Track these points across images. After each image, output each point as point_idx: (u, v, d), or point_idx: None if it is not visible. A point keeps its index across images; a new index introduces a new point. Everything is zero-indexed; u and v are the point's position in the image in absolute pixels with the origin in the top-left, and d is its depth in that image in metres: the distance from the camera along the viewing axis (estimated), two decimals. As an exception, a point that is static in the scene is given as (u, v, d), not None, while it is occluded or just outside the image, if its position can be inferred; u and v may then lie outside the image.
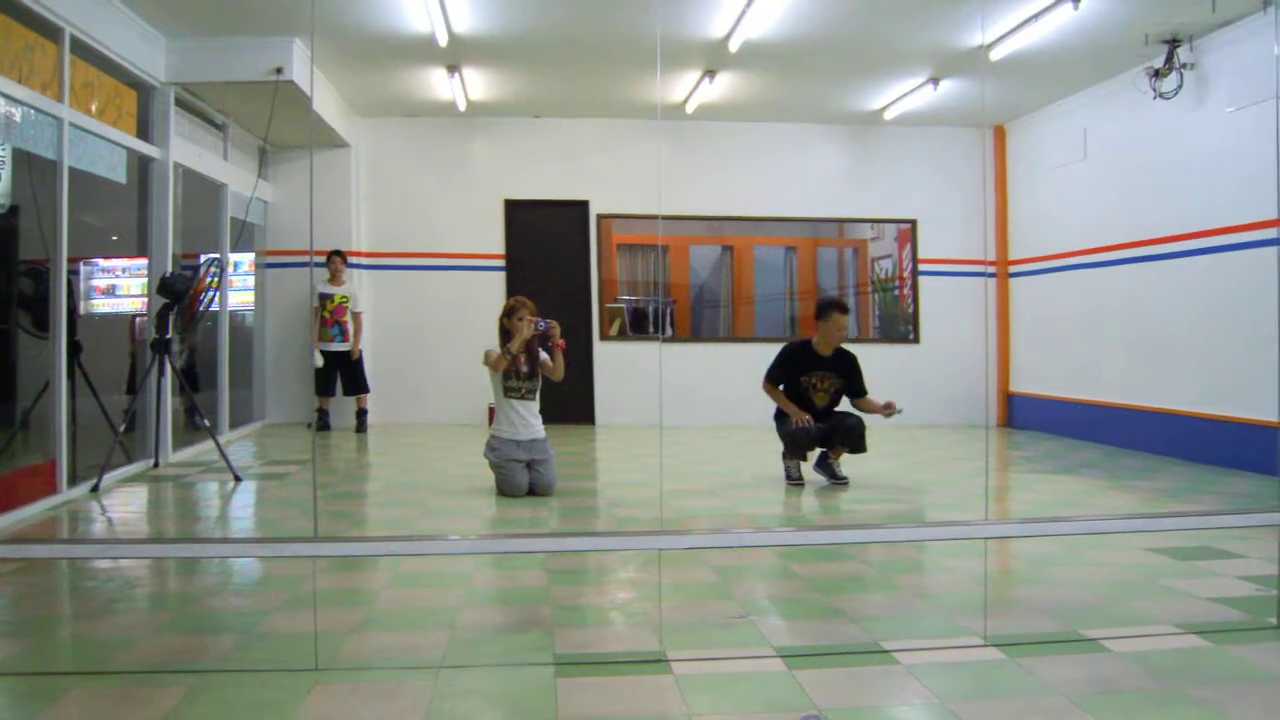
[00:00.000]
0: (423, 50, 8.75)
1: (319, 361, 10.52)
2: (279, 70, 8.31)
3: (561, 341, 6.81)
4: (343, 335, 10.59)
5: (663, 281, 12.47)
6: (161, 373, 7.56)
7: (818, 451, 7.38)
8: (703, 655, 3.52)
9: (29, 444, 7.17)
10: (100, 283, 10.26)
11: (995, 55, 8.65)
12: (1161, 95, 8.61)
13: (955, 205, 11.70)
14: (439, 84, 9.95)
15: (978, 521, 5.51)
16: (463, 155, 11.53)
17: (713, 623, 3.97)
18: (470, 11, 7.89)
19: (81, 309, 9.86)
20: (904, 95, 10.27)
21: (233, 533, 6.02)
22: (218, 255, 9.48)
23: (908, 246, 11.88)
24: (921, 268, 11.79)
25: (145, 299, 8.55)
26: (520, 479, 6.71)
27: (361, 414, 10.71)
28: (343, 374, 10.62)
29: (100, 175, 7.27)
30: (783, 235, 12.53)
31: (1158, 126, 8.89)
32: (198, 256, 9.35)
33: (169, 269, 8.01)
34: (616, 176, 11.40)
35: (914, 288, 11.86)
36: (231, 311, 10.33)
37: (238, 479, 7.31)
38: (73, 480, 6.66)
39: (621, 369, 11.46)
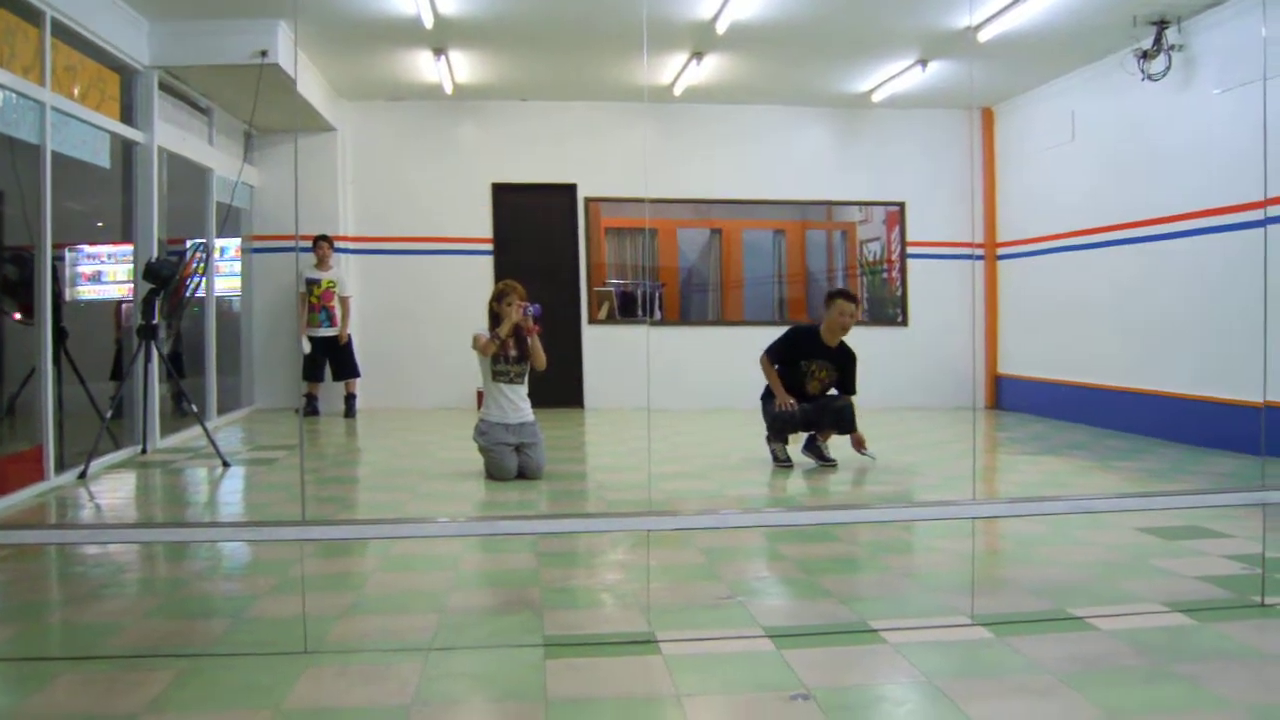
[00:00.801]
0: (408, 33, 8.70)
1: (306, 347, 10.51)
2: (263, 53, 8.26)
3: (537, 327, 6.78)
4: (330, 320, 10.56)
5: (651, 265, 12.48)
6: (148, 359, 7.54)
7: (804, 435, 7.39)
8: (691, 636, 3.53)
9: (16, 431, 7.16)
10: (86, 269, 10.22)
11: (983, 37, 8.64)
12: (1149, 77, 8.62)
13: (943, 187, 11.70)
14: (425, 67, 9.90)
15: (965, 501, 5.53)
16: (450, 139, 11.49)
17: (701, 603, 3.98)
18: (456, -6, 7.87)
19: (67, 295, 9.83)
20: (892, 77, 10.26)
21: (221, 518, 6.02)
22: (204, 240, 9.42)
23: (896, 229, 11.89)
24: (910, 250, 11.79)
25: (131, 285, 8.52)
26: (509, 462, 6.71)
27: (350, 399, 10.70)
28: (331, 359, 10.60)
29: (84, 160, 7.22)
30: (771, 218, 12.54)
31: (1146, 108, 8.90)
32: (183, 242, 9.30)
33: (155, 254, 7.98)
34: (604, 160, 11.38)
35: (902, 270, 11.87)
36: (218, 297, 10.29)
37: (226, 464, 7.29)
38: (60, 467, 6.63)
39: (610, 352, 11.45)
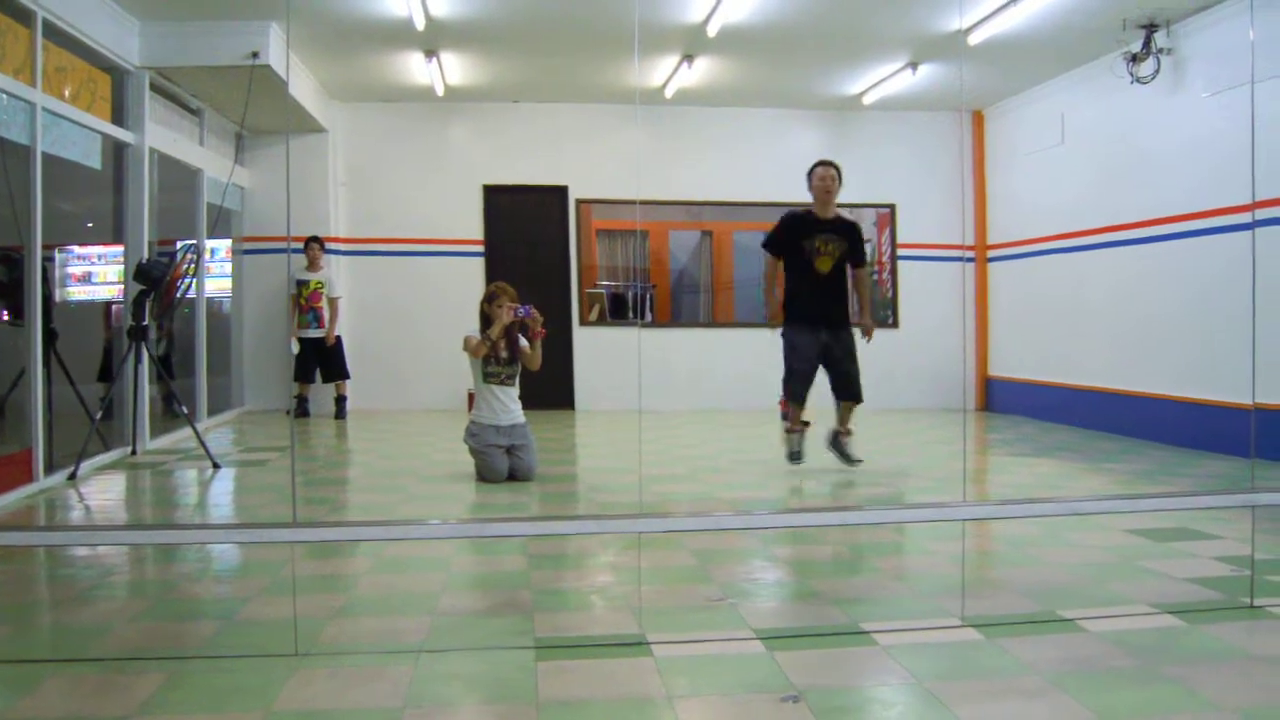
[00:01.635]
0: (400, 34, 8.70)
1: (295, 348, 10.50)
2: (255, 55, 8.25)
3: (542, 330, 6.81)
4: (317, 321, 10.55)
5: (642, 266, 12.49)
6: (139, 360, 7.52)
7: (829, 432, 7.14)
8: (682, 638, 3.53)
9: (5, 432, 7.13)
10: (76, 270, 10.20)
11: (974, 40, 8.66)
12: (1139, 80, 8.64)
13: (934, 190, 11.73)
14: (417, 69, 9.89)
15: (956, 503, 5.54)
16: (441, 140, 11.49)
17: (692, 605, 3.98)
18: (447, -5, 7.87)
19: (57, 296, 9.81)
20: (882, 80, 10.28)
21: (212, 519, 6.00)
22: (194, 242, 9.41)
23: (886, 231, 11.91)
24: (900, 252, 11.82)
25: (121, 286, 8.50)
26: (500, 464, 6.70)
27: (340, 400, 10.68)
28: (320, 360, 10.58)
29: (74, 161, 7.20)
30: (762, 220, 12.48)
31: (1135, 111, 8.93)
32: (174, 243, 9.29)
33: (145, 256, 7.96)
34: (595, 161, 11.38)
35: (893, 272, 11.89)
36: (209, 298, 10.28)
37: (216, 466, 7.27)
38: (50, 468, 6.61)
39: (601, 354, 11.46)
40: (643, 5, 8.07)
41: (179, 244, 9.05)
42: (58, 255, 9.90)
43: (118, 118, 8.02)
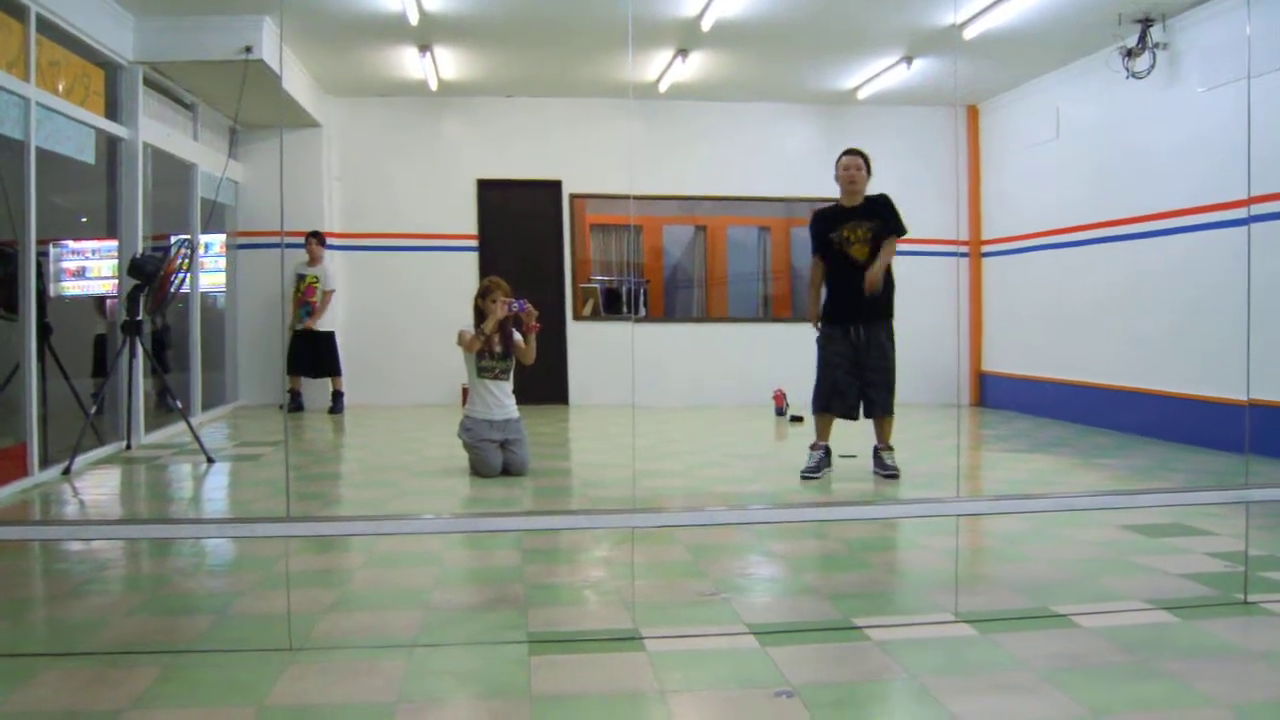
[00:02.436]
0: (394, 29, 8.69)
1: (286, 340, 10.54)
2: (248, 49, 8.23)
3: (536, 325, 6.80)
4: (311, 315, 10.55)
5: (636, 261, 12.48)
6: (133, 354, 7.51)
7: (872, 450, 6.87)
8: (676, 633, 3.53)
9: (-1, 427, 7.13)
10: (70, 265, 10.18)
11: (968, 34, 8.66)
12: (1134, 75, 8.64)
13: (928, 185, 11.69)
14: (410, 63, 9.88)
15: (950, 499, 5.55)
16: (435, 135, 11.47)
17: (686, 600, 3.98)
18: (442, -10, 7.86)
19: (51, 291, 9.79)
20: (877, 74, 10.28)
21: (206, 514, 6.00)
22: (188, 236, 9.40)
23: (881, 226, 11.89)
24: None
25: (116, 281, 8.49)
26: (494, 459, 6.70)
27: (336, 395, 10.68)
28: (312, 354, 10.57)
29: (68, 156, 7.19)
30: (756, 215, 12.56)
31: (1130, 106, 8.93)
32: (168, 238, 9.28)
33: (139, 251, 7.95)
34: (589, 156, 11.37)
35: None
36: (203, 293, 10.26)
37: (210, 460, 7.27)
38: (44, 463, 6.60)
39: (595, 349, 11.45)
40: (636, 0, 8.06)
41: (173, 239, 9.03)
42: (52, 250, 9.87)
43: (111, 112, 8.00)
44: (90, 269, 10.12)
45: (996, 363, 11.52)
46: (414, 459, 7.61)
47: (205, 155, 9.90)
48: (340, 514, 5.82)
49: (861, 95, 11.02)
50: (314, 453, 8.33)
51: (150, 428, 8.36)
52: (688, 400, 11.11)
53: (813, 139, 11.72)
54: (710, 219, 12.67)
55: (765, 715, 2.85)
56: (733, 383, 11.23)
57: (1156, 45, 8.42)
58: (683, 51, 9.47)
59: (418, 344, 11.11)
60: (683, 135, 11.51)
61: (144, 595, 4.16)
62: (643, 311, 12.33)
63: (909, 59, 9.68)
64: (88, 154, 7.50)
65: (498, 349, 6.79)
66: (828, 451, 6.80)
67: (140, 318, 7.35)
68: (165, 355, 9.53)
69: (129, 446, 7.82)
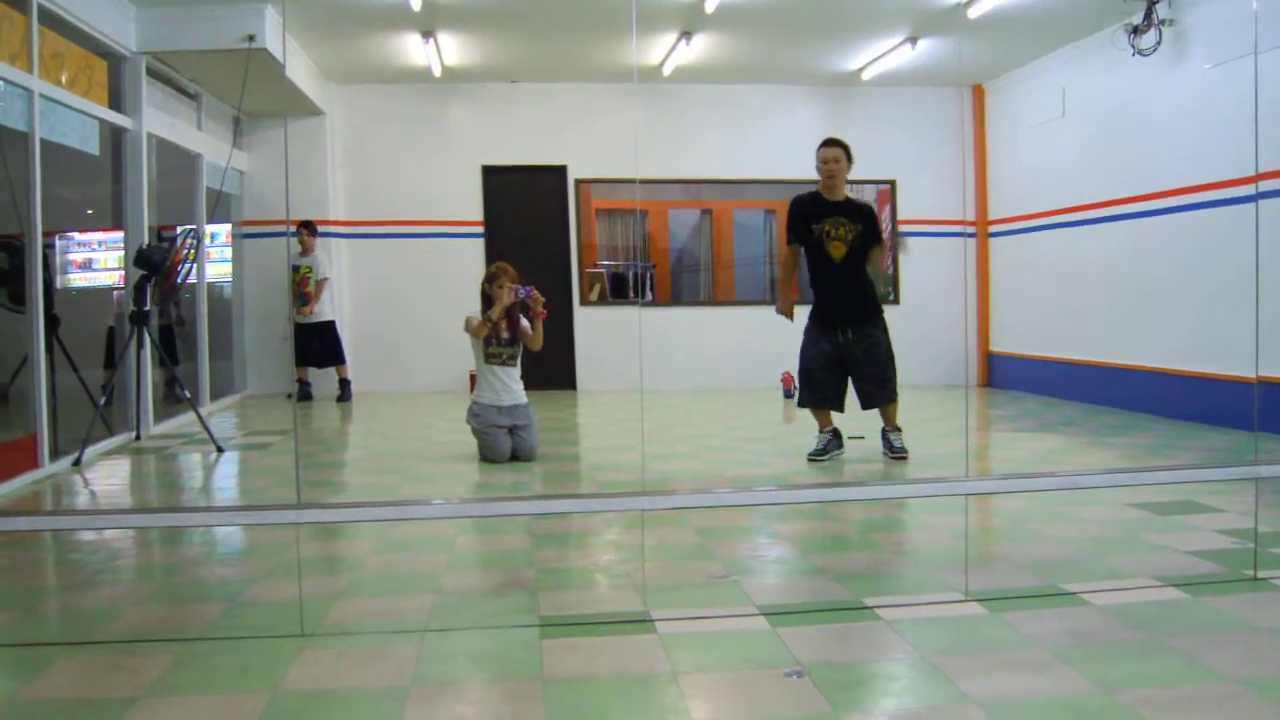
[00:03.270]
0: (396, 15, 8.66)
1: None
2: (251, 38, 8.22)
3: (544, 311, 6.80)
4: (306, 305, 10.55)
5: (642, 246, 12.47)
6: (141, 345, 7.52)
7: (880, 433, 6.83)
8: (686, 615, 3.54)
9: (9, 419, 7.15)
10: (76, 256, 10.19)
11: (973, 13, 8.63)
12: (1140, 52, 8.61)
13: (934, 165, 11.69)
14: (414, 50, 9.86)
15: (958, 478, 5.54)
16: (439, 122, 11.46)
17: (696, 582, 3.99)
18: (444, -25, 7.84)
19: (58, 283, 9.81)
20: (882, 55, 10.24)
21: (216, 502, 6.02)
22: (194, 226, 9.40)
23: (887, 207, 11.88)
24: (901, 228, 11.79)
25: (122, 272, 8.50)
26: (503, 444, 6.71)
27: (344, 384, 10.69)
28: (313, 344, 10.57)
29: (73, 147, 7.19)
30: (761, 198, 12.53)
31: (1136, 84, 8.89)
32: (174, 228, 9.29)
33: (145, 241, 7.95)
34: (594, 141, 11.34)
35: (893, 248, 11.86)
36: (209, 283, 10.27)
37: (220, 450, 7.29)
38: (54, 454, 6.62)
39: (602, 334, 11.46)
40: (640, -18, 8.05)
41: (179, 229, 9.04)
42: (58, 242, 9.89)
43: (115, 103, 8.00)
44: (97, 260, 10.13)
45: (1004, 343, 11.50)
46: (423, 445, 7.62)
47: (210, 145, 9.90)
48: (350, 500, 5.84)
49: (866, 76, 10.99)
50: (323, 440, 8.35)
51: (159, 418, 8.37)
52: (695, 384, 11.10)
53: (818, 121, 11.65)
54: (716, 202, 12.65)
55: (776, 695, 2.86)
56: (740, 366, 11.22)
57: (1162, 22, 8.38)
58: (686, 34, 9.44)
59: (425, 330, 11.12)
60: (687, 119, 11.48)
61: (156, 584, 4.18)
62: (649, 296, 12.33)
63: (913, 39, 9.65)
64: (92, 145, 7.50)
65: (505, 335, 6.80)
66: (836, 434, 6.76)
67: (148, 308, 7.36)
68: (174, 346, 9.54)
69: (138, 437, 7.84)
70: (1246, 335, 6.60)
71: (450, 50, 9.96)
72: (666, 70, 10.59)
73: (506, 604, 3.76)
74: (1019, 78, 10.92)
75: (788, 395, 10.28)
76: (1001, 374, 11.52)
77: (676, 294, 12.82)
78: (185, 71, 9.20)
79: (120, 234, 8.40)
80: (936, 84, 11.50)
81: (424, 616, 3.56)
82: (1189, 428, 7.94)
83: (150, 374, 8.08)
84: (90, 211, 9.95)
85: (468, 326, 6.78)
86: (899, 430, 6.80)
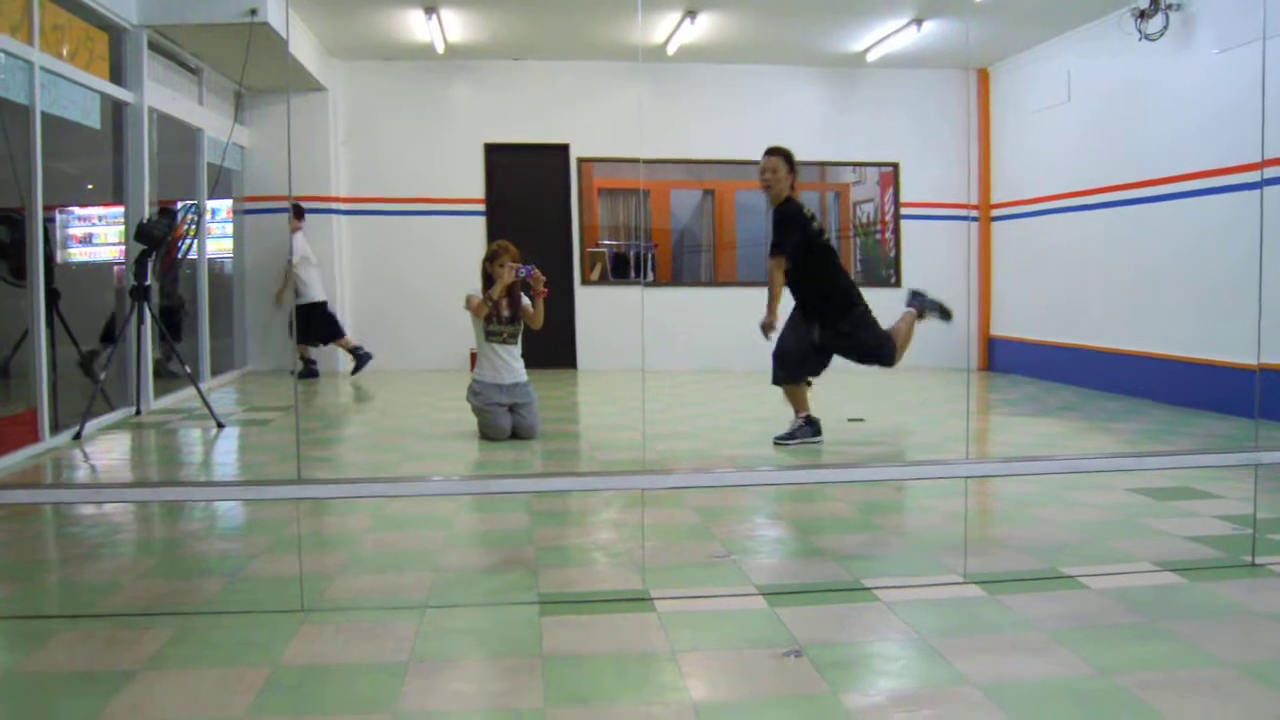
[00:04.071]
0: (400, -9, 8.64)
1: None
2: (253, 12, 8.16)
3: (545, 290, 6.79)
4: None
5: (644, 226, 12.44)
6: (141, 320, 7.52)
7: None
8: (685, 594, 3.55)
9: (10, 393, 7.16)
10: (77, 231, 10.18)
11: (979, -4, 8.60)
12: (1147, 37, 8.57)
13: (938, 148, 11.66)
14: (417, 26, 9.81)
15: (958, 461, 5.54)
16: (441, 99, 11.42)
17: (695, 562, 4.00)
18: (448, -49, 7.80)
19: (58, 257, 9.80)
20: (887, 37, 10.19)
21: (216, 478, 6.02)
22: (195, 202, 9.38)
23: (890, 190, 11.86)
24: (903, 211, 11.77)
25: (123, 247, 8.48)
26: (503, 422, 6.72)
27: (357, 357, 10.59)
28: (308, 325, 10.53)
29: (74, 120, 7.16)
30: (764, 179, 12.46)
31: (1142, 68, 8.85)
32: (175, 203, 9.26)
33: (146, 216, 7.93)
34: (597, 120, 11.31)
35: (896, 231, 11.85)
36: (210, 259, 10.25)
37: (220, 425, 7.29)
38: (55, 428, 6.63)
39: (603, 314, 11.45)
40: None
41: (179, 204, 9.02)
42: (58, 216, 9.87)
43: (116, 76, 7.96)
44: (97, 235, 10.12)
45: (1005, 327, 11.48)
46: (423, 423, 7.63)
47: (211, 120, 9.87)
48: (350, 476, 5.85)
49: (871, 58, 10.94)
50: (324, 417, 8.36)
51: (160, 393, 8.37)
52: (696, 364, 11.10)
53: (822, 103, 11.66)
54: (718, 183, 12.60)
55: (774, 674, 2.87)
56: (741, 346, 11.09)
57: (1169, 6, 8.34)
58: (691, 13, 9.40)
59: (426, 308, 11.11)
60: (691, 98, 11.43)
61: (157, 558, 4.19)
62: (651, 276, 12.30)
63: (919, 21, 9.60)
64: (93, 119, 7.47)
65: (506, 313, 6.79)
66: (809, 421, 6.62)
67: (149, 283, 7.35)
68: (175, 322, 9.53)
69: (138, 412, 7.85)
70: (1249, 322, 6.59)
71: (453, 26, 9.92)
72: (670, 49, 10.55)
73: (506, 581, 3.76)
74: (1024, 61, 10.88)
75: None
76: (1002, 358, 11.52)
77: (678, 274, 12.78)
78: (187, 45, 9.16)
79: (121, 209, 8.38)
80: (941, 66, 11.45)
81: (424, 593, 3.56)
82: (1189, 414, 7.94)
83: (150, 349, 8.07)
84: (91, 186, 9.93)
85: (468, 305, 6.77)
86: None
